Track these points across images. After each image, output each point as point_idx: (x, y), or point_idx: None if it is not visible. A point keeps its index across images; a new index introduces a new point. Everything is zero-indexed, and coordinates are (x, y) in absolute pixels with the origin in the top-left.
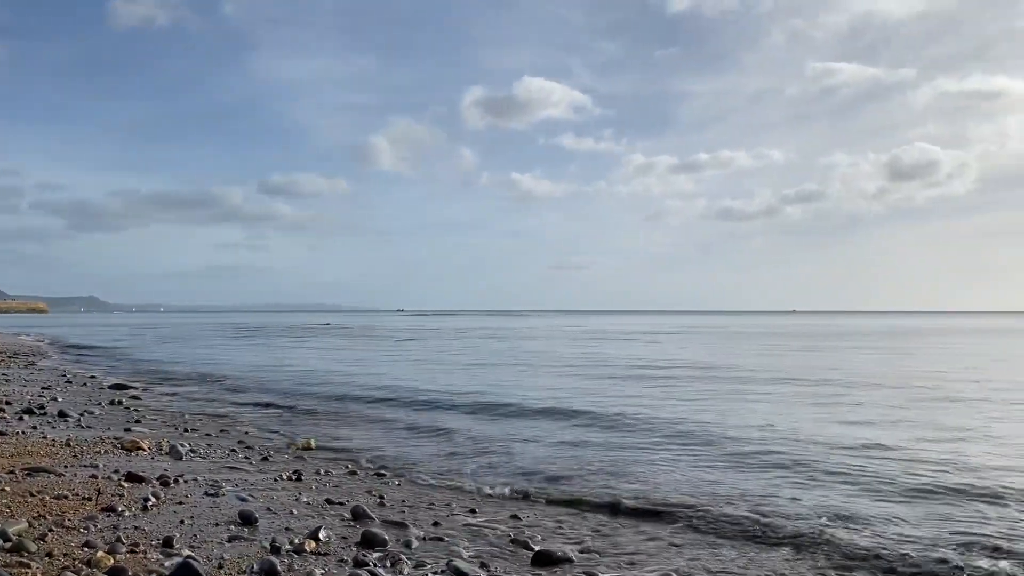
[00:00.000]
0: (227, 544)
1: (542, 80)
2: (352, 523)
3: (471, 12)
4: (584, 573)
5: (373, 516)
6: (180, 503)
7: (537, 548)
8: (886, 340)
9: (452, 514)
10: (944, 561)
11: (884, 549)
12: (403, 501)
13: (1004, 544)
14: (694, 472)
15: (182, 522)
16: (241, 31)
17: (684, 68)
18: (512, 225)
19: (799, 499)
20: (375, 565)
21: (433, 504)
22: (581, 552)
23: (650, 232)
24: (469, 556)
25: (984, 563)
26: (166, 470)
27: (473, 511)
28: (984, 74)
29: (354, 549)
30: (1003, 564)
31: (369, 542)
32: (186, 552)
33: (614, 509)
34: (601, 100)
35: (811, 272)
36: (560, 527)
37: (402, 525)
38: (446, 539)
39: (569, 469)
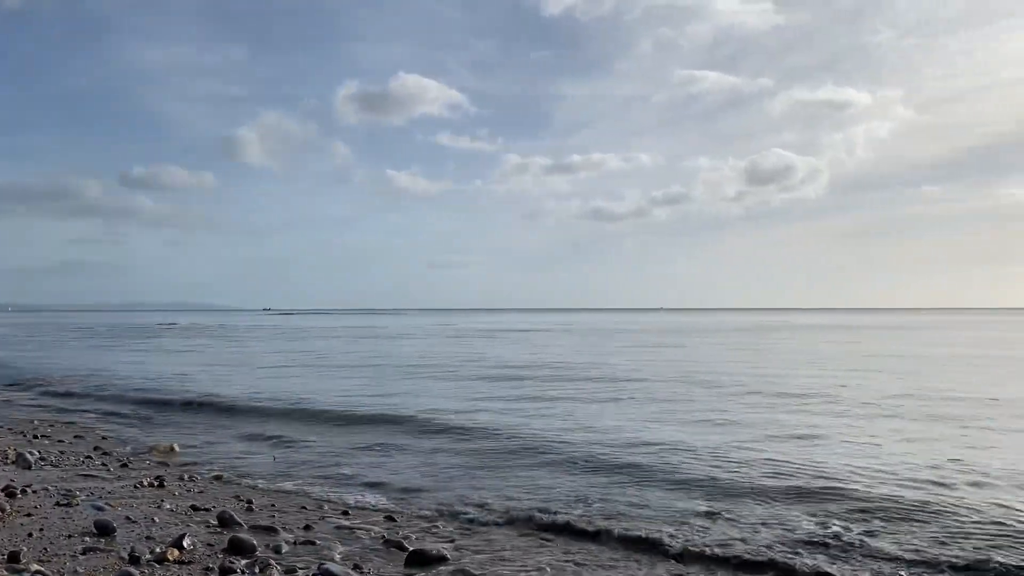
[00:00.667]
0: (81, 557)
1: (418, 77)
2: (219, 529)
3: (345, 4)
4: (458, 571)
5: (241, 522)
6: (28, 515)
7: (411, 548)
8: (741, 336)
9: (324, 517)
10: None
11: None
12: (272, 505)
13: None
14: (543, 478)
15: (30, 535)
16: (99, 14)
17: (558, 71)
18: (387, 223)
19: (635, 501)
20: (243, 572)
21: (305, 507)
22: (456, 550)
23: (526, 231)
24: (342, 558)
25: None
26: (12, 480)
27: (346, 513)
28: (835, 85)
29: (221, 556)
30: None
31: (237, 548)
32: (34, 567)
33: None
34: (477, 99)
35: (678, 271)
36: (434, 527)
37: (272, 530)
38: (318, 542)
39: (429, 477)
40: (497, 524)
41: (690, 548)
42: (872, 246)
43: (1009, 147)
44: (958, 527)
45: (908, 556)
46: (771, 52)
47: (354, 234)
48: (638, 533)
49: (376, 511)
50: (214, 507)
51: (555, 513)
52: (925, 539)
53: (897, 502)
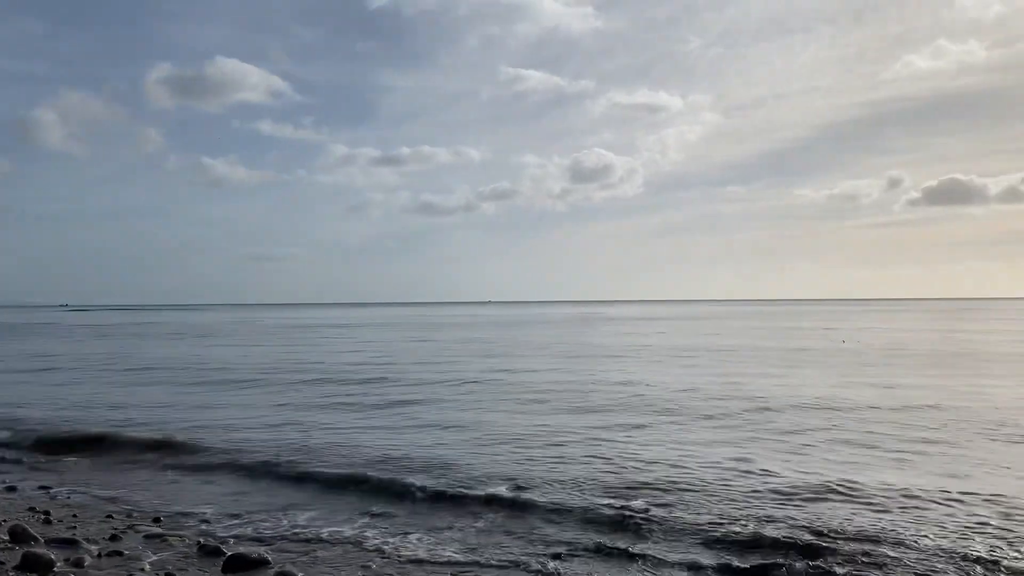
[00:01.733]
0: None
1: (237, 62)
2: (11, 545)
3: None
4: (280, 574)
5: (37, 536)
6: None
7: (229, 553)
8: (560, 327)
9: (133, 525)
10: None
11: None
12: (74, 516)
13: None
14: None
15: None
16: None
17: (385, 62)
18: (203, 212)
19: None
20: None
21: (112, 516)
22: (276, 552)
23: (353, 223)
24: (153, 568)
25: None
26: None
27: (158, 520)
28: (649, 90)
29: (12, 574)
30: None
31: (31, 565)
32: None
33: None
34: (301, 87)
35: (506, 265)
36: (254, 531)
37: (72, 543)
38: (126, 552)
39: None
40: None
41: None
42: (683, 241)
43: (800, 151)
44: (731, 509)
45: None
46: (592, 55)
47: (166, 225)
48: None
49: (189, 516)
50: (5, 521)
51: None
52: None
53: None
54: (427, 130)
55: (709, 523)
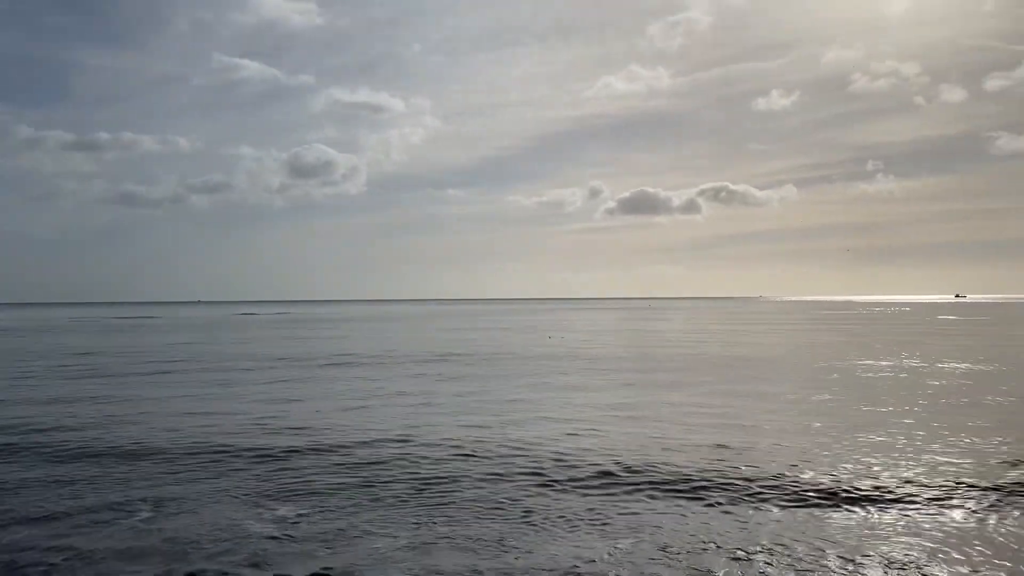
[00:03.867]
0: None
1: None
2: None
3: None
4: None
5: None
6: None
7: None
8: (278, 328)
9: None
10: None
11: None
12: None
13: None
14: None
15: None
16: None
17: (80, 37)
18: None
19: None
20: None
21: None
22: None
23: (38, 214)
24: None
25: None
26: None
27: None
28: (371, 89)
29: None
30: None
31: None
32: None
33: None
34: None
35: (219, 262)
36: None
37: None
38: None
39: None
40: None
41: None
42: (407, 242)
43: (514, 159)
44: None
45: None
46: (313, 51)
47: None
48: None
49: None
50: None
51: None
52: None
53: None
54: (130, 115)
55: None
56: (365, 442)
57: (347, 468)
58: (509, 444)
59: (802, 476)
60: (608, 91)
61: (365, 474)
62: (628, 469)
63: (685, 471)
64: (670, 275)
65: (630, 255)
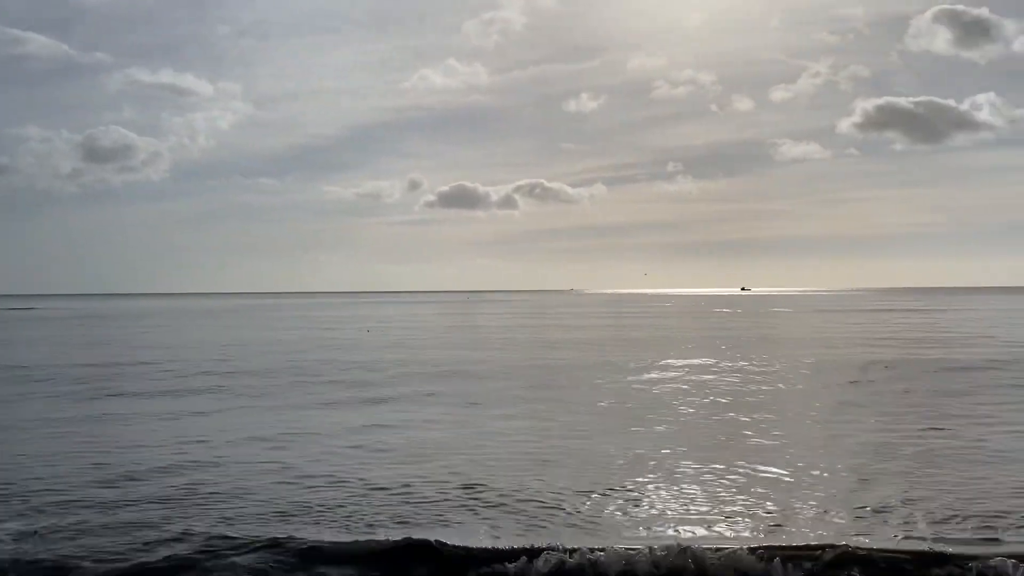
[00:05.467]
0: None
1: None
2: None
3: None
4: None
5: None
6: None
7: None
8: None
9: None
10: None
11: None
12: None
13: None
14: None
15: None
16: None
17: None
18: None
19: None
20: None
21: None
22: None
23: None
24: None
25: None
26: None
27: None
28: (175, 71)
29: None
30: None
31: None
32: None
33: None
34: None
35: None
36: None
37: None
38: None
39: None
40: None
41: None
42: (216, 232)
43: (331, 149)
44: None
45: None
46: (109, 27)
47: None
48: None
49: None
50: None
51: None
52: None
53: None
54: None
55: None
56: None
57: None
58: None
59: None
60: (426, 84)
61: None
62: None
63: None
64: (489, 269)
65: (450, 248)
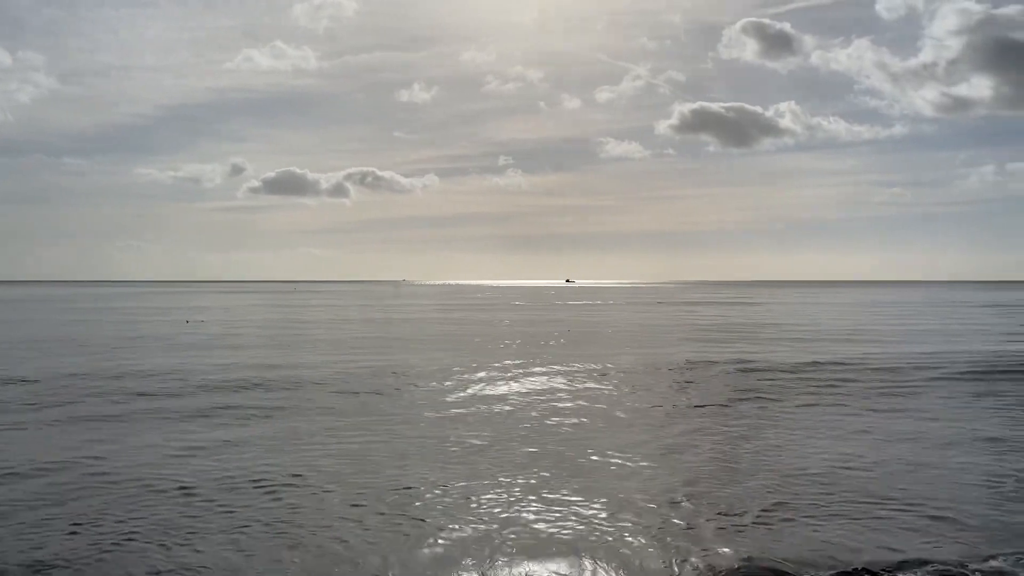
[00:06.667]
0: None
1: None
2: None
3: None
4: None
5: None
6: None
7: None
8: None
9: None
10: None
11: None
12: None
13: None
14: None
15: None
16: None
17: None
18: None
19: None
20: None
21: None
22: None
23: None
24: None
25: None
26: None
27: None
28: None
29: None
30: None
31: None
32: None
33: None
34: None
35: None
36: None
37: None
38: None
39: None
40: None
41: None
42: (12, 215)
43: (145, 129)
44: None
45: None
46: None
47: None
48: None
49: None
50: None
51: None
52: None
53: None
54: None
55: None
56: None
57: None
58: None
59: None
60: (251, 65)
61: None
62: None
63: None
64: (319, 258)
65: (277, 237)
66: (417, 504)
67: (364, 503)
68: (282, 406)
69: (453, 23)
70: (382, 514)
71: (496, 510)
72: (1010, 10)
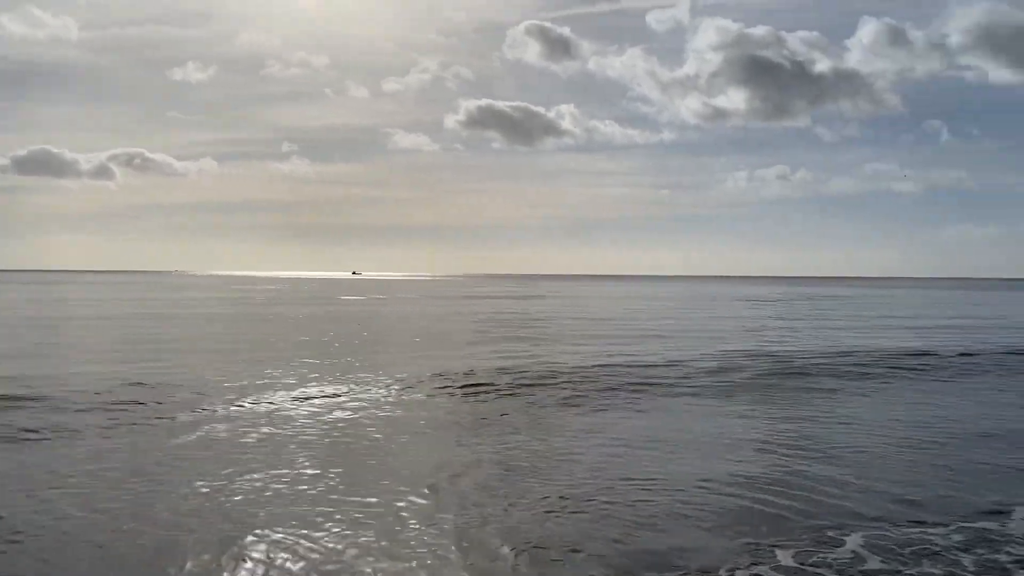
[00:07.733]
0: None
1: None
2: None
3: None
4: None
5: None
6: None
7: None
8: None
9: None
10: None
11: None
12: None
13: None
14: None
15: None
16: None
17: None
18: None
19: None
20: None
21: None
22: None
23: None
24: None
25: None
26: None
27: None
28: None
29: None
30: None
31: None
32: None
33: None
34: None
35: None
36: None
37: None
38: None
39: None
40: None
41: None
42: None
43: None
44: None
45: None
46: None
47: None
48: None
49: None
50: None
51: None
52: None
53: None
54: None
55: None
56: None
57: None
58: None
59: None
60: (1, 32)
61: None
62: None
63: None
64: (78, 246)
65: (29, 222)
66: None
67: None
68: None
69: (230, 2)
70: None
71: None
72: (759, 30)
